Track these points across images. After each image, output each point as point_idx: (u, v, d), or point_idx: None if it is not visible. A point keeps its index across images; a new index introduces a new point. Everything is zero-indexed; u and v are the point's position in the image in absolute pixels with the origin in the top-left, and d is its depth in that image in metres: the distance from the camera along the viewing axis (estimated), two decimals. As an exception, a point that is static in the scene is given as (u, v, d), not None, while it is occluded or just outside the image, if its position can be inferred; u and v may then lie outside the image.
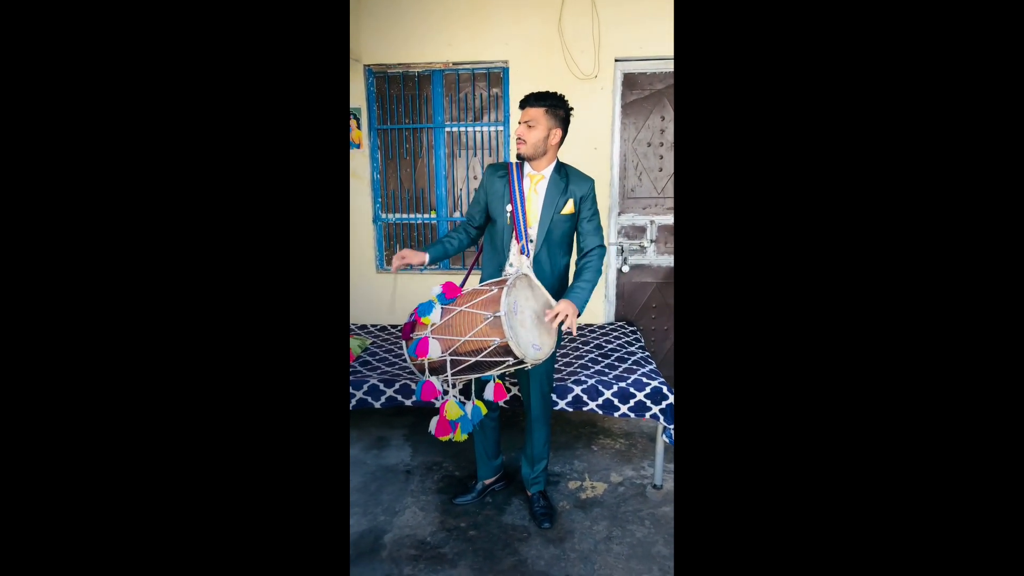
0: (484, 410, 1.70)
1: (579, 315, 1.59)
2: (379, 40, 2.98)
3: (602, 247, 1.78)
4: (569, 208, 1.73)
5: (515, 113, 2.97)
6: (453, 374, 1.58)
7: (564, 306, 1.56)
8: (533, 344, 1.55)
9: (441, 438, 1.60)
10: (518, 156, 1.73)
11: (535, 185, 1.74)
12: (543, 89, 1.72)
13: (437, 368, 1.59)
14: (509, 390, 2.15)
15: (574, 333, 1.59)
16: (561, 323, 1.59)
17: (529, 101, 1.68)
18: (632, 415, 2.14)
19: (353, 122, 3.08)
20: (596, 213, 1.78)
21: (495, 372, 1.62)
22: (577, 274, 1.73)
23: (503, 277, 1.65)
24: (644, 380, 2.16)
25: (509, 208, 1.74)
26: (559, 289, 1.80)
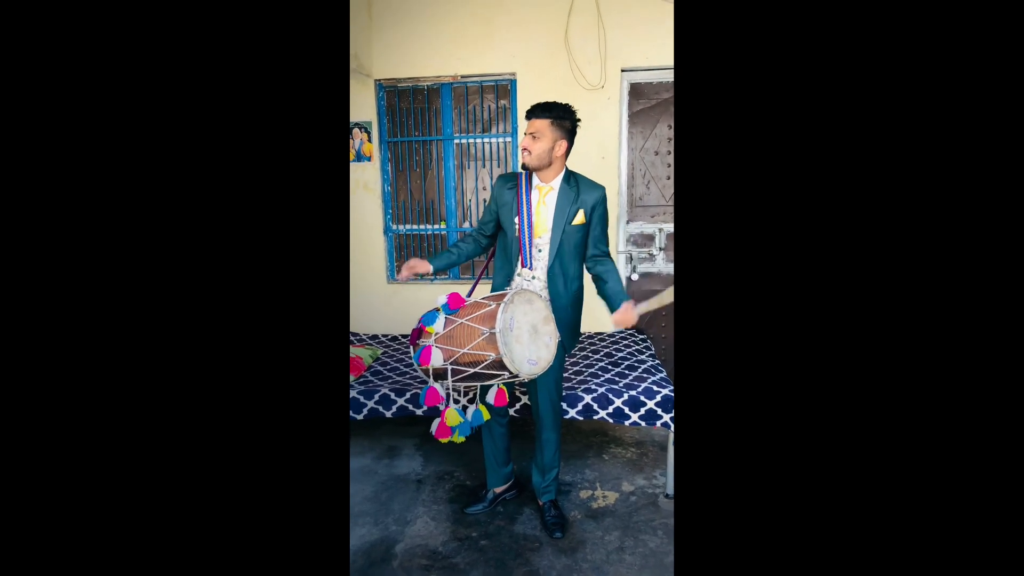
0: (486, 415, 1.71)
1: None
2: (389, 55, 3.03)
3: (609, 257, 1.80)
4: (580, 218, 1.73)
5: (523, 124, 3.00)
6: (454, 382, 1.61)
7: (630, 313, 1.65)
8: (528, 359, 1.57)
9: (441, 439, 1.63)
10: (523, 167, 1.74)
11: (544, 197, 1.75)
12: (550, 100, 1.73)
13: (441, 374, 1.62)
14: (518, 398, 2.16)
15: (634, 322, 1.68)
16: (567, 328, 1.75)
17: (534, 112, 1.68)
18: (643, 424, 2.13)
19: (364, 135, 3.14)
20: (606, 223, 1.78)
21: (494, 383, 1.64)
22: (605, 281, 1.76)
23: (504, 292, 1.66)
24: (655, 388, 2.15)
25: (516, 220, 1.75)
26: (574, 299, 1.81)
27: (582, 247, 1.79)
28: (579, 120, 1.74)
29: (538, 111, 1.68)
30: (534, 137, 1.68)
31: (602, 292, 1.77)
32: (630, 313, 1.63)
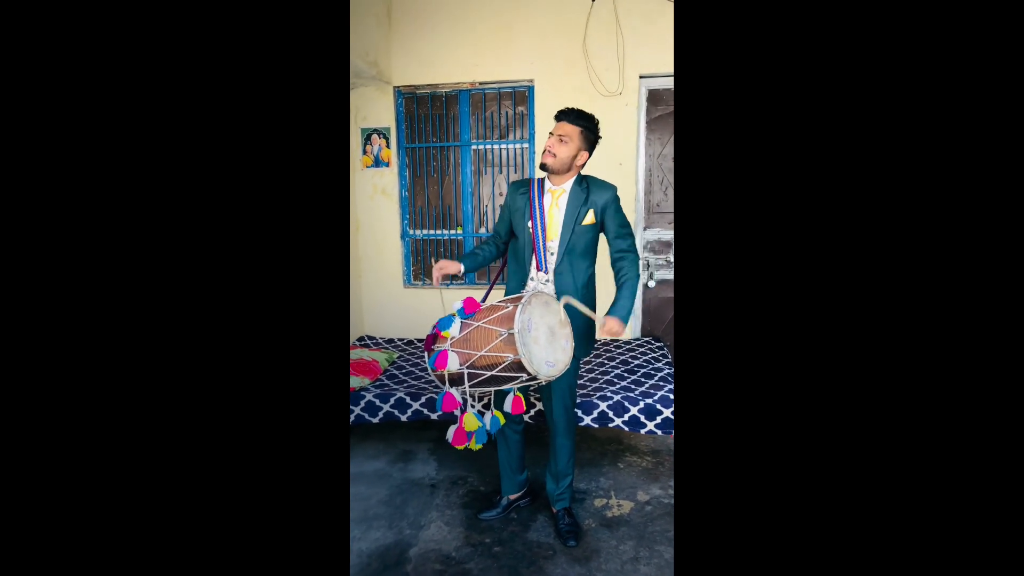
0: (502, 420, 1.71)
1: (625, 325, 1.63)
2: (408, 62, 3.07)
3: (634, 253, 1.74)
4: (590, 218, 1.73)
5: (540, 130, 3.01)
6: (470, 386, 1.61)
7: (611, 324, 1.59)
8: (547, 361, 1.57)
9: (458, 447, 1.63)
10: (542, 166, 1.74)
11: (556, 200, 1.75)
12: (569, 106, 1.74)
13: (456, 380, 1.62)
14: (532, 404, 2.15)
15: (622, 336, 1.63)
16: (581, 336, 1.69)
17: (568, 116, 1.69)
18: (659, 432, 2.11)
19: (382, 141, 3.17)
20: (624, 219, 1.75)
21: (510, 387, 1.63)
22: (618, 286, 1.71)
23: (521, 294, 1.67)
24: (671, 397, 2.13)
25: (530, 224, 1.76)
26: (584, 301, 1.79)
27: (592, 247, 1.78)
28: (600, 137, 1.76)
29: (572, 116, 1.68)
30: (562, 140, 1.68)
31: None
32: (611, 327, 1.59)
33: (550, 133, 1.72)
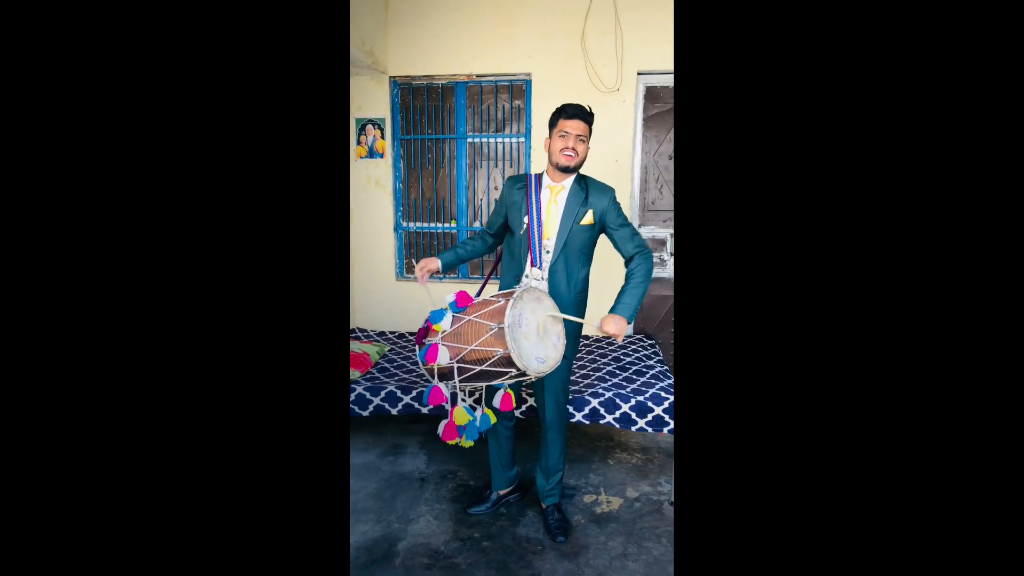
0: (493, 418, 1.70)
1: (630, 323, 1.60)
2: (405, 52, 3.04)
3: (646, 250, 1.72)
4: (588, 219, 1.73)
5: (536, 125, 2.99)
6: (460, 381, 1.60)
7: (610, 324, 1.58)
8: (537, 357, 1.56)
9: (448, 442, 1.62)
10: (564, 168, 1.72)
11: (555, 196, 1.75)
12: (569, 101, 1.73)
13: (446, 374, 1.61)
14: (523, 400, 2.15)
15: (620, 341, 1.59)
16: (570, 336, 1.69)
17: (582, 115, 1.69)
18: (649, 429, 2.11)
19: (377, 132, 3.14)
20: (626, 219, 1.76)
21: (500, 382, 1.63)
22: (626, 280, 1.70)
23: (514, 289, 1.66)
24: (662, 394, 2.13)
25: (526, 220, 1.75)
26: (577, 301, 1.79)
27: (589, 248, 1.78)
28: None
29: (584, 114, 1.70)
30: (580, 139, 1.70)
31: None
32: (611, 327, 1.59)
33: (562, 133, 1.68)
